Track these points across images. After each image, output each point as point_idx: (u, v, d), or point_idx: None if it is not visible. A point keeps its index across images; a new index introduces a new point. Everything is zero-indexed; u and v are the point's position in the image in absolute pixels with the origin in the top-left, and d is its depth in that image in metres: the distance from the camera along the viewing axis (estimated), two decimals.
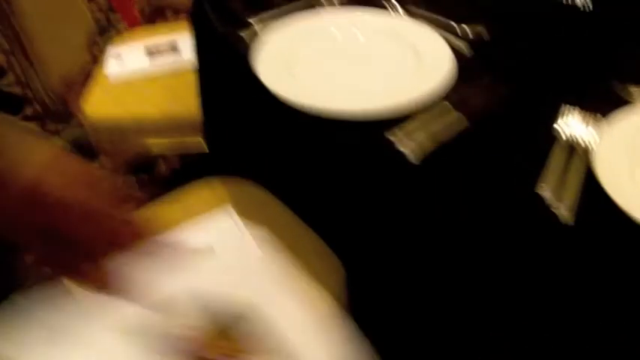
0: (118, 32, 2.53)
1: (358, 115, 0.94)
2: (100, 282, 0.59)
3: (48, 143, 0.59)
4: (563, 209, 0.80)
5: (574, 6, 1.18)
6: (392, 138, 0.91)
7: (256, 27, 1.14)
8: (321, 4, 1.20)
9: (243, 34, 1.12)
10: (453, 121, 0.94)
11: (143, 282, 0.59)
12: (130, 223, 0.59)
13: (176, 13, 2.36)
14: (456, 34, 1.11)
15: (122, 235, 0.58)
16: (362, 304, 0.95)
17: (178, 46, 1.72)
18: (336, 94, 1.00)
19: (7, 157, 0.56)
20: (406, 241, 0.93)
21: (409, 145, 0.90)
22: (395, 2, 1.19)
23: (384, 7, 1.19)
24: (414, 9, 1.18)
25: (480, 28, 1.12)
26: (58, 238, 0.57)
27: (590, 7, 1.17)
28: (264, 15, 1.16)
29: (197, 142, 1.50)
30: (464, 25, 1.13)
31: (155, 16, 2.39)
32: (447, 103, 0.97)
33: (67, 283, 0.69)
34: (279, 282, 0.62)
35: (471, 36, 1.11)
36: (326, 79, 1.04)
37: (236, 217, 1.11)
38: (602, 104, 0.95)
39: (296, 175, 1.08)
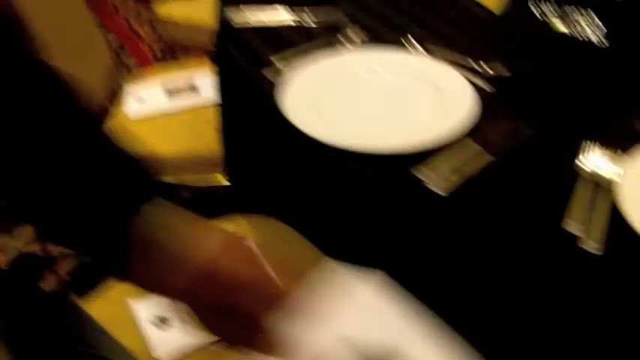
0: (129, 69, 2.57)
1: (383, 152, 0.96)
2: (267, 346, 0.63)
3: (218, 228, 0.63)
4: (592, 245, 0.81)
5: (590, 42, 1.21)
6: (417, 174, 0.93)
7: (278, 65, 1.16)
8: (341, 43, 1.23)
9: (266, 72, 1.15)
10: (475, 157, 0.96)
11: (299, 338, 0.62)
12: (287, 286, 0.63)
13: (186, 51, 2.39)
14: (475, 71, 1.14)
15: (282, 299, 0.62)
16: None
17: (196, 84, 1.75)
18: (361, 131, 1.02)
19: (180, 244, 0.61)
20: (433, 276, 0.94)
21: (435, 180, 0.92)
22: (414, 41, 1.22)
23: (404, 46, 1.22)
24: (432, 47, 1.20)
25: (499, 66, 1.15)
26: (228, 313, 0.62)
27: (606, 43, 1.19)
28: (286, 53, 1.19)
29: (216, 179, 1.52)
30: (482, 63, 1.15)
31: (167, 54, 2.42)
32: (469, 139, 0.99)
33: None
34: (411, 322, 0.63)
35: (491, 73, 1.13)
36: (351, 117, 1.07)
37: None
38: (622, 140, 0.97)
39: (320, 212, 1.09)
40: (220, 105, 1.35)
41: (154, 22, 2.97)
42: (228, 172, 1.40)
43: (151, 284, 0.62)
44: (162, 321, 1.09)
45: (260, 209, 1.19)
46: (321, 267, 0.65)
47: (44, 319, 1.21)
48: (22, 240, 1.93)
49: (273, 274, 0.63)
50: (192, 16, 1.99)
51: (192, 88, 1.74)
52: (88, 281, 1.82)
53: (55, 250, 1.90)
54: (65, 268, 1.83)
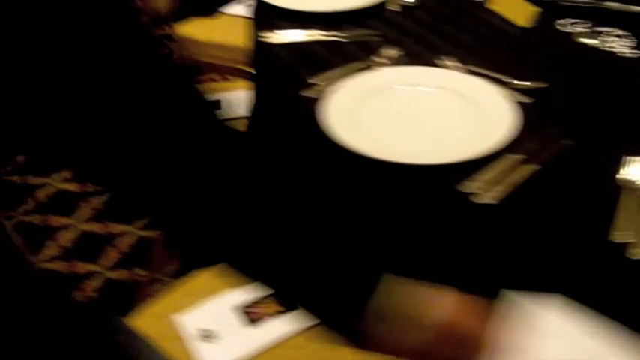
0: None
1: (429, 164, 0.99)
2: None
3: (445, 291, 0.70)
4: None
5: (620, 53, 1.24)
6: (462, 186, 0.95)
7: (317, 87, 1.18)
8: (375, 62, 1.25)
9: (304, 91, 1.17)
10: (518, 167, 0.98)
11: None
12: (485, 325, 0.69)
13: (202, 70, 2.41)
14: (510, 85, 1.16)
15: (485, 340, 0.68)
16: None
17: (221, 101, 1.77)
18: (405, 146, 1.05)
19: (415, 308, 0.69)
20: (481, 286, 0.96)
21: (481, 191, 0.94)
22: (449, 62, 1.24)
23: (438, 63, 1.24)
24: (466, 64, 1.23)
25: (533, 79, 1.17)
26: None
27: (638, 53, 1.22)
28: (324, 75, 1.21)
29: None
30: (516, 77, 1.17)
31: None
32: (510, 150, 1.01)
33: None
34: (604, 340, 0.65)
35: (527, 84, 1.16)
36: (394, 132, 1.09)
37: None
38: None
39: (362, 226, 1.10)
40: (252, 120, 1.37)
41: (167, 40, 2.98)
42: None
43: (384, 345, 0.69)
44: (207, 334, 1.11)
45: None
46: (501, 299, 0.68)
47: (83, 331, 1.22)
48: (47, 258, 1.94)
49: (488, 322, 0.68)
50: (215, 34, 2.01)
51: (218, 108, 1.76)
52: (117, 299, 1.83)
53: (82, 268, 1.91)
54: (92, 286, 1.84)
